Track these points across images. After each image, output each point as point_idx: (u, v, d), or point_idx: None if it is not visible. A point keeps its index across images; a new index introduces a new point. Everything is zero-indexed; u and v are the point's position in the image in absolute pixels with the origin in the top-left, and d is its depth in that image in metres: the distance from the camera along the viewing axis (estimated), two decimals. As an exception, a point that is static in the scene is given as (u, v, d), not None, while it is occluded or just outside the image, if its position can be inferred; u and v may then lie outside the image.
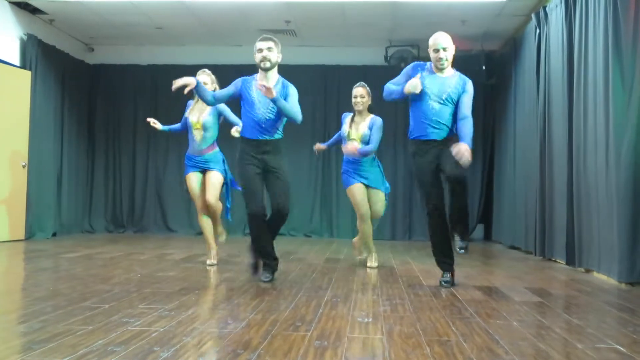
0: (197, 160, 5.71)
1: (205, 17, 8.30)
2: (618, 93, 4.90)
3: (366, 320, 3.37)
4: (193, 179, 5.72)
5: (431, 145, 4.53)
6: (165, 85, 9.46)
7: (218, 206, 5.72)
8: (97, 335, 2.88)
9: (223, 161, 5.77)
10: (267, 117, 4.65)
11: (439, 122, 4.50)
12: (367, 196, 5.67)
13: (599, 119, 5.24)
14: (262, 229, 4.70)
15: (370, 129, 5.62)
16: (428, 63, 4.64)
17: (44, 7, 8.13)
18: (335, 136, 6.03)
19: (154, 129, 5.87)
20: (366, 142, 5.60)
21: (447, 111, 4.50)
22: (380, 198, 5.72)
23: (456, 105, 4.51)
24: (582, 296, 4.38)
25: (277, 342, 2.83)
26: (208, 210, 5.70)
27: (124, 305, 3.65)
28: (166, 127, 5.94)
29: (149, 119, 5.89)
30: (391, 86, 4.68)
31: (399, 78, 4.69)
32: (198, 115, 5.66)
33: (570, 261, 5.94)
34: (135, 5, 7.85)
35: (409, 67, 4.69)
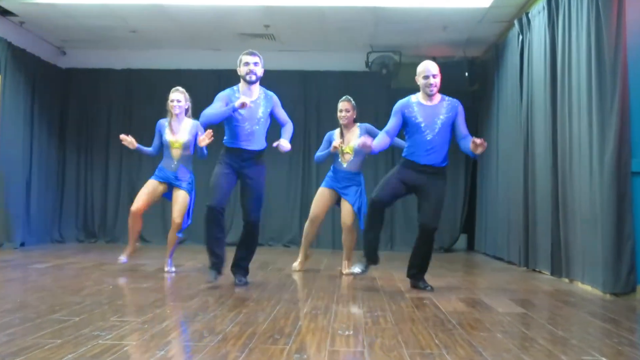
0: (168, 175, 5.73)
1: (182, 20, 8.19)
2: (600, 99, 4.91)
3: (347, 332, 3.32)
4: (153, 185, 5.75)
5: (424, 170, 4.84)
6: (140, 91, 9.51)
7: (178, 230, 5.69)
8: (67, 349, 2.79)
9: (192, 182, 5.81)
10: (253, 130, 4.84)
11: (434, 149, 4.83)
12: (340, 204, 5.96)
13: (582, 126, 5.25)
14: (216, 226, 4.80)
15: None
16: (412, 96, 4.92)
17: (13, 9, 7.92)
18: (325, 152, 6.05)
19: (129, 145, 5.71)
20: (357, 153, 5.83)
21: (441, 137, 4.83)
22: (348, 209, 5.87)
23: (451, 129, 4.87)
24: (567, 307, 4.37)
25: (255, 355, 2.76)
26: (171, 230, 5.74)
27: (95, 317, 3.55)
28: (141, 148, 5.83)
29: (122, 136, 5.73)
30: (376, 141, 4.87)
31: (391, 121, 4.92)
32: (176, 135, 5.68)
33: (554, 272, 5.92)
34: (110, 8, 7.70)
35: (397, 107, 4.91)
